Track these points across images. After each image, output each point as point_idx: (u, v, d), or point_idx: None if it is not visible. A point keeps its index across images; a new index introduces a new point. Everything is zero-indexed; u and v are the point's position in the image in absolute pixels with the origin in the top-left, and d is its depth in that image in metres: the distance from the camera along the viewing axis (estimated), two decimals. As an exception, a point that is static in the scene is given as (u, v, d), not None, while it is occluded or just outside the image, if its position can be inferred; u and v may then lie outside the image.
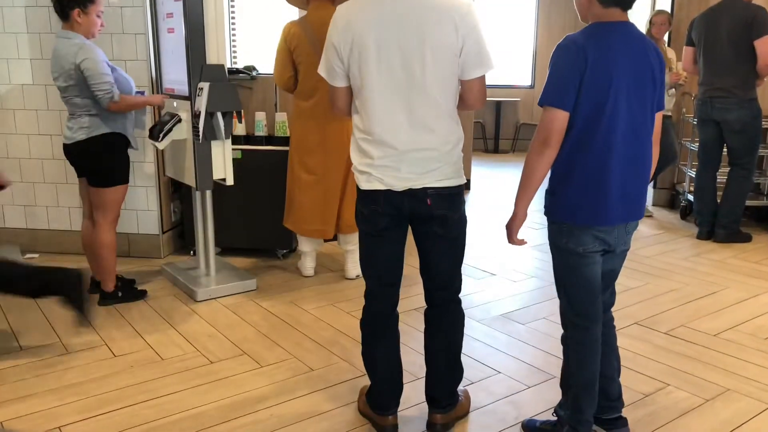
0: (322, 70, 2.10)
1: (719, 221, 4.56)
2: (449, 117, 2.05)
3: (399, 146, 2.00)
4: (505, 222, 2.06)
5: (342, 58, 2.00)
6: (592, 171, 1.91)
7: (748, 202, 4.80)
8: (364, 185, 2.07)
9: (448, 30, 1.92)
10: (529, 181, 1.96)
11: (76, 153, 3.23)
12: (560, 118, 1.87)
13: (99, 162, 3.24)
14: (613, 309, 2.21)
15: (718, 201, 4.62)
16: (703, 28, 4.42)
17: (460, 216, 2.14)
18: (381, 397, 2.27)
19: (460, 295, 2.27)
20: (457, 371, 2.31)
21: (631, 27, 1.92)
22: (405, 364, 2.31)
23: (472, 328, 3.10)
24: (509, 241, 2.07)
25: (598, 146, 1.88)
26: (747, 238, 4.57)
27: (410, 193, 2.03)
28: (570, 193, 1.96)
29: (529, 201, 2.00)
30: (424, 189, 2.03)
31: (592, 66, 1.83)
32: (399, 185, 2.03)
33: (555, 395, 2.49)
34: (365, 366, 2.31)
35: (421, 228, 2.12)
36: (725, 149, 4.55)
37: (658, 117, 2.01)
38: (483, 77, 2.04)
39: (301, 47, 3.43)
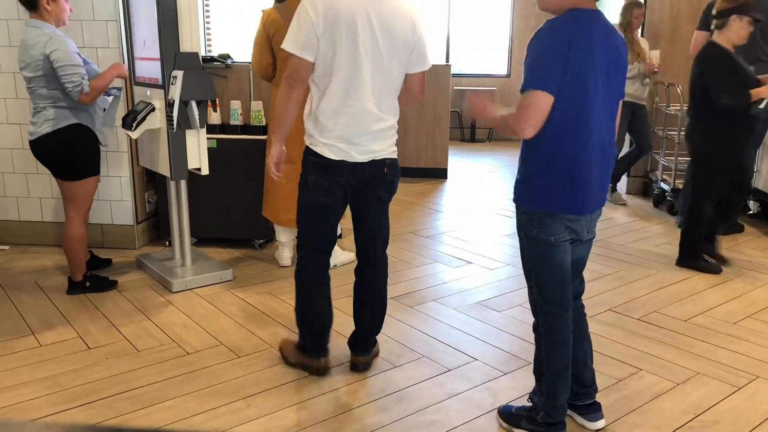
0: (289, 45, 2.21)
1: None
2: (396, 100, 2.38)
3: (366, 123, 2.27)
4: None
5: (318, 34, 2.18)
6: (574, 158, 1.92)
7: None
8: (329, 155, 2.28)
9: (409, 27, 2.26)
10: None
11: (44, 148, 3.15)
12: (545, 100, 1.85)
13: (68, 155, 3.16)
14: (587, 296, 2.24)
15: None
16: None
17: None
18: (316, 343, 2.53)
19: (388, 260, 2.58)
20: (382, 318, 2.60)
21: (604, 17, 1.94)
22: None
23: (448, 316, 3.12)
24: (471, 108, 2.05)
25: (580, 133, 1.90)
26: (741, 229, 4.61)
27: (372, 163, 2.32)
28: (550, 181, 1.96)
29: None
30: (383, 160, 2.34)
31: (575, 51, 1.82)
32: (363, 157, 2.30)
33: (531, 381, 2.52)
34: (302, 319, 2.52)
35: (370, 194, 2.38)
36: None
37: (619, 105, 2.08)
38: (424, 73, 2.40)
39: (280, 34, 3.38)
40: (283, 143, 2.38)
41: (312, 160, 2.32)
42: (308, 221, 2.41)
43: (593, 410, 2.24)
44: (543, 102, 1.85)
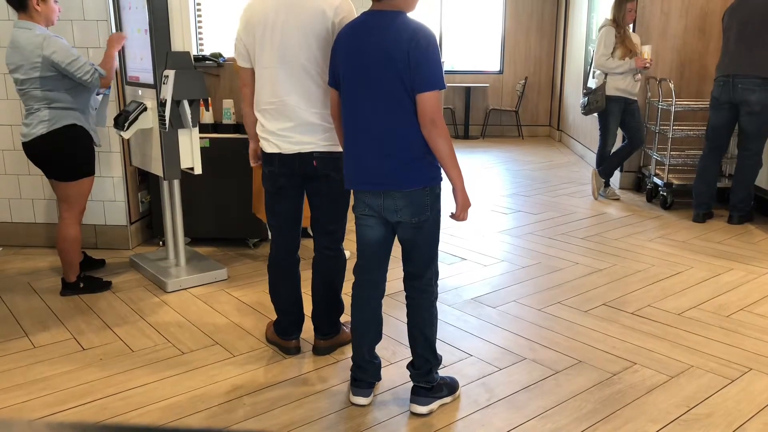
0: (235, 57, 2.49)
1: (735, 206, 4.63)
2: (327, 92, 2.37)
3: (289, 117, 2.39)
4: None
5: (244, 42, 2.43)
6: (345, 138, 2.20)
7: None
8: (266, 149, 2.47)
9: (318, 18, 2.32)
10: None
11: (39, 149, 3.14)
12: (332, 92, 2.23)
13: (63, 155, 3.16)
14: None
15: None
16: (736, 10, 4.44)
17: (342, 177, 2.48)
18: (285, 325, 2.71)
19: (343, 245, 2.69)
20: (337, 305, 2.72)
21: (376, 15, 2.05)
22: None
23: (443, 313, 3.12)
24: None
25: (345, 119, 2.17)
26: (752, 218, 4.72)
27: (299, 156, 2.43)
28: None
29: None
30: (311, 153, 2.42)
31: (336, 48, 2.15)
32: (290, 149, 2.42)
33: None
34: (272, 301, 2.72)
35: (312, 186, 2.52)
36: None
37: (422, 98, 2.00)
38: None
39: None
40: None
41: (261, 152, 2.54)
42: (266, 206, 2.62)
43: (412, 393, 2.31)
44: (332, 93, 2.23)
